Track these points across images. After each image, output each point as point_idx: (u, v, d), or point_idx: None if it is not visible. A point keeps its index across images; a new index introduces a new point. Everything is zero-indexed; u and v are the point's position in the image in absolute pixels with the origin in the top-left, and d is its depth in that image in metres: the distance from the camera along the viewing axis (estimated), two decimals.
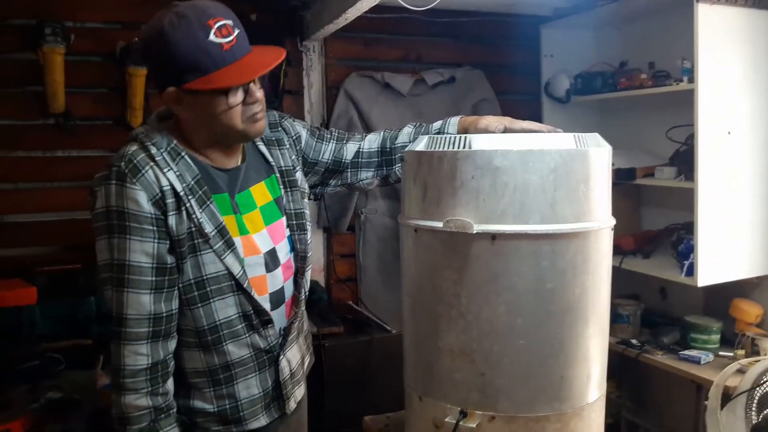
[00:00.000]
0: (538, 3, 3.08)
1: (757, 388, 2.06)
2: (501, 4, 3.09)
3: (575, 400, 1.24)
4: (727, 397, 2.12)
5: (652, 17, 2.93)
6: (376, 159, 1.59)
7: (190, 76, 1.22)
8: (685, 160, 2.58)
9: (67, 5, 2.70)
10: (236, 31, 1.25)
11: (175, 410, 1.32)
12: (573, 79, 3.17)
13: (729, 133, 2.42)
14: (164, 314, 1.27)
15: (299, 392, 1.52)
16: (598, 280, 1.24)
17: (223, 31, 1.22)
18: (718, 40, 2.36)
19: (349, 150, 1.59)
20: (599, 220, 1.23)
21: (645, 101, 2.94)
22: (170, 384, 1.31)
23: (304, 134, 1.56)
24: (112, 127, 2.82)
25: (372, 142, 1.60)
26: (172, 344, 1.31)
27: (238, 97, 1.26)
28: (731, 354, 2.48)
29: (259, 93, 1.31)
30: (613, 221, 1.28)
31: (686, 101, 2.42)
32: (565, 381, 1.22)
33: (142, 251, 1.24)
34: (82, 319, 2.45)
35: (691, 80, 2.44)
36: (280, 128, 1.51)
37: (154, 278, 1.25)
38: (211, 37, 1.21)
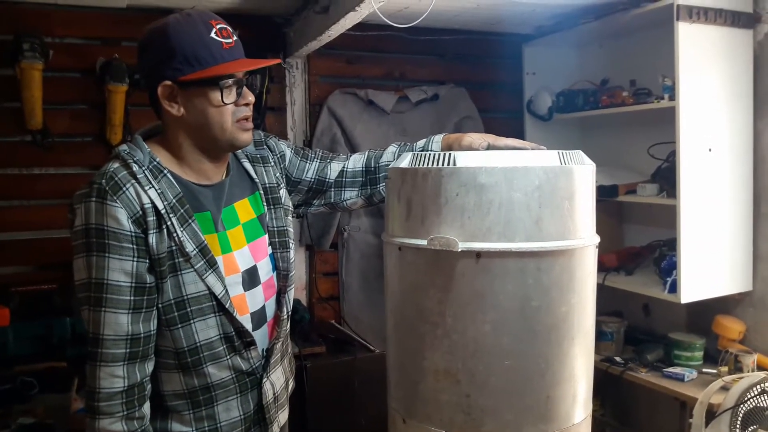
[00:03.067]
0: (521, 21, 3.10)
1: (741, 406, 2.06)
2: (484, 23, 3.12)
3: (562, 420, 1.22)
4: (711, 414, 2.12)
5: (634, 35, 2.97)
6: (361, 178, 1.59)
7: (188, 68, 1.24)
8: (666, 177, 2.60)
9: (46, 20, 2.67)
10: (235, 37, 1.30)
11: None
12: (555, 96, 3.20)
13: (710, 150, 2.44)
14: (142, 335, 1.24)
15: (283, 417, 1.49)
16: (583, 298, 1.23)
17: (224, 33, 1.27)
18: (698, 58, 2.39)
19: (333, 169, 1.58)
20: (584, 237, 1.22)
21: (626, 119, 2.96)
22: (146, 408, 1.28)
23: (288, 153, 1.56)
24: (90, 144, 2.78)
25: (356, 161, 1.60)
26: (150, 366, 1.28)
27: (231, 96, 1.28)
28: (715, 371, 2.48)
29: (250, 98, 1.33)
30: (597, 239, 1.27)
31: (667, 118, 2.45)
32: (551, 401, 1.20)
33: (121, 270, 1.21)
34: (57, 340, 2.40)
35: (672, 98, 2.46)
36: (264, 146, 1.51)
37: (132, 298, 1.23)
38: (213, 34, 1.26)
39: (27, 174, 2.73)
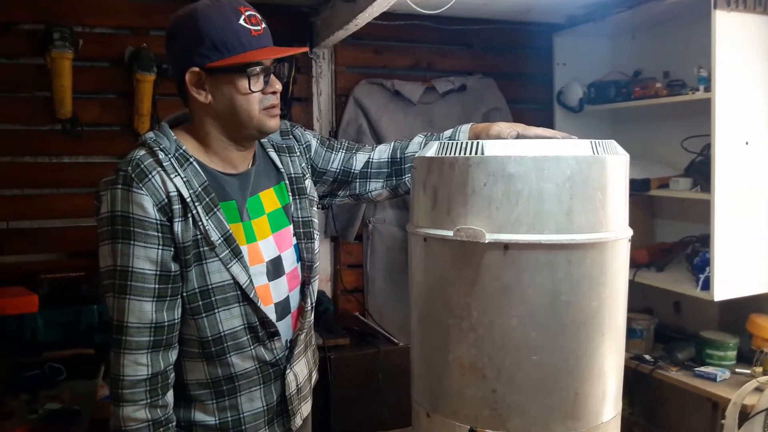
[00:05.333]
0: (552, 11, 3.05)
1: None
2: (513, 12, 3.07)
3: (590, 418, 1.18)
4: (744, 416, 2.06)
5: (668, 25, 2.90)
6: (386, 170, 1.57)
7: (216, 55, 1.23)
8: (700, 171, 2.54)
9: (76, 10, 2.70)
10: (264, 25, 1.29)
11: (174, 423, 1.28)
12: (586, 88, 3.14)
13: (747, 143, 2.37)
14: (166, 323, 1.24)
15: (306, 408, 1.49)
16: (614, 293, 1.19)
17: (253, 20, 1.26)
18: (736, 47, 2.32)
19: (359, 160, 1.57)
20: (616, 230, 1.18)
21: (660, 111, 2.90)
22: (170, 396, 1.27)
23: (314, 143, 1.55)
24: (119, 133, 2.81)
25: (382, 152, 1.58)
26: (173, 355, 1.28)
27: (259, 83, 1.27)
28: (748, 371, 2.42)
29: (278, 86, 1.32)
30: (630, 232, 1.23)
31: (702, 111, 2.38)
32: (579, 398, 1.17)
33: (146, 258, 1.21)
34: (84, 327, 2.43)
35: (708, 89, 2.40)
36: (290, 136, 1.51)
37: (157, 286, 1.23)
38: (242, 21, 1.25)
39: (57, 162, 2.76)
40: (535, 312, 1.13)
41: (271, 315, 1.35)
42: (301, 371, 1.44)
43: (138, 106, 2.71)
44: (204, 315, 1.27)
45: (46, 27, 2.57)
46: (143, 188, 1.21)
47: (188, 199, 1.24)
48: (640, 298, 2.91)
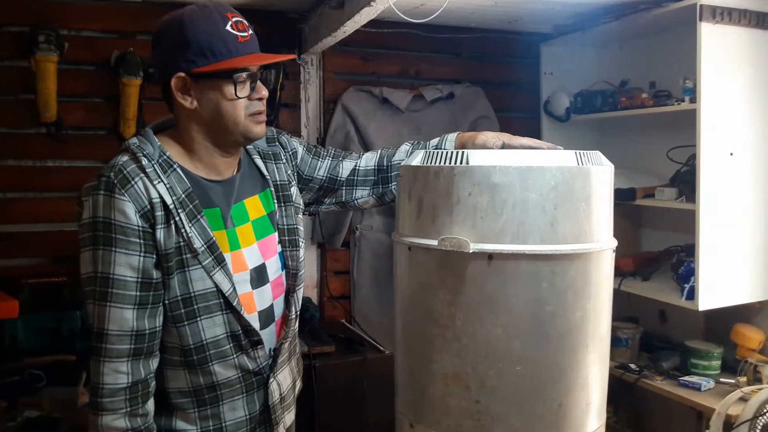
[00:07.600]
0: (539, 20, 3.06)
1: (760, 418, 2.01)
2: (501, 21, 3.08)
3: (574, 429, 1.19)
4: (729, 425, 2.07)
5: (655, 36, 2.92)
6: (372, 177, 1.57)
7: (203, 60, 1.23)
8: (686, 181, 2.55)
9: (62, 13, 2.67)
10: (251, 31, 1.28)
11: None
12: (573, 97, 3.15)
13: (731, 154, 2.39)
14: (147, 331, 1.23)
15: (289, 418, 1.48)
16: (599, 304, 1.20)
17: (240, 26, 1.26)
18: (721, 59, 2.34)
19: (345, 167, 1.56)
20: (601, 241, 1.19)
21: (646, 121, 2.92)
22: (150, 405, 1.26)
23: (300, 150, 1.54)
24: (104, 138, 2.78)
25: (369, 160, 1.58)
26: (154, 363, 1.26)
27: (245, 90, 1.27)
28: (733, 381, 2.43)
29: (264, 92, 1.31)
30: (614, 243, 1.24)
31: (688, 121, 2.40)
32: (563, 409, 1.17)
33: (127, 265, 1.20)
34: (66, 333, 2.40)
35: (693, 100, 2.41)
36: (276, 143, 1.50)
37: (138, 293, 1.21)
38: (228, 27, 1.24)
39: (40, 166, 2.73)
40: (518, 322, 1.13)
41: (255, 323, 1.33)
42: (285, 380, 1.43)
43: (124, 110, 2.69)
44: (186, 323, 1.26)
45: (31, 29, 2.54)
46: (125, 194, 1.20)
47: (171, 206, 1.23)
48: (625, 307, 2.91)
